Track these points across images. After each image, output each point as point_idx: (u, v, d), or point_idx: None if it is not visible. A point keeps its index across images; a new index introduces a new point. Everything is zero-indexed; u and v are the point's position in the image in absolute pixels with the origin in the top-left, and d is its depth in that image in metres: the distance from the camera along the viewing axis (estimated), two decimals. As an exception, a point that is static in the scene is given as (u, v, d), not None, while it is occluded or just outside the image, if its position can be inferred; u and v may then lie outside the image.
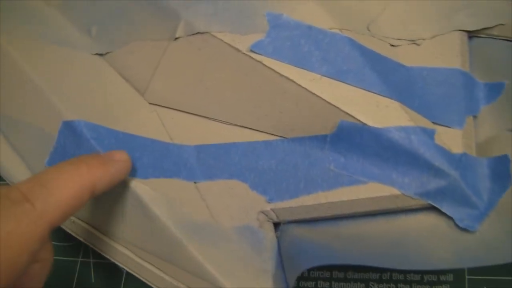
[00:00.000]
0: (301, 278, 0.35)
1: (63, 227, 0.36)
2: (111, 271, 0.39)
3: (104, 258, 0.36)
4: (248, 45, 0.33)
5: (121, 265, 0.34)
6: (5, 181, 0.39)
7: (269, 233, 0.33)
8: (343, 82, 0.32)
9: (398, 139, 0.30)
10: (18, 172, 0.37)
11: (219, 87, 0.34)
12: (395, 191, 0.30)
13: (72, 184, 0.27)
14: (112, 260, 0.34)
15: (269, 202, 0.33)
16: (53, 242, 0.39)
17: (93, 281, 0.40)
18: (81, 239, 0.35)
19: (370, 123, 0.30)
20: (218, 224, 0.32)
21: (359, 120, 0.30)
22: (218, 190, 0.33)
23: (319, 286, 0.36)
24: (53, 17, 0.41)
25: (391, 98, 0.31)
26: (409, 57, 0.34)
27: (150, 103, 0.37)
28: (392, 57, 0.33)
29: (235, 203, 0.33)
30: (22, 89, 0.37)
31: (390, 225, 0.31)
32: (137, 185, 0.32)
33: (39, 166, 0.36)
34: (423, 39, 0.35)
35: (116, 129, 0.34)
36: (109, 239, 0.34)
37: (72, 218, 0.35)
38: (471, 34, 0.36)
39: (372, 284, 0.36)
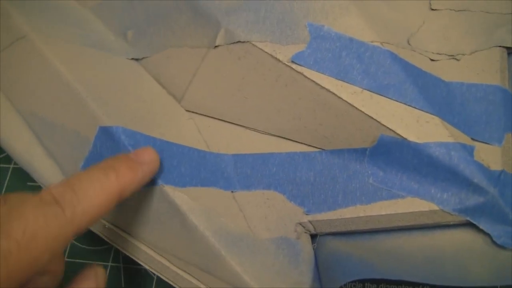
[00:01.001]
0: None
1: (96, 231, 0.36)
2: (141, 276, 0.39)
3: (134, 263, 0.36)
4: (289, 55, 0.33)
5: (156, 273, 0.34)
6: (36, 182, 0.39)
7: (307, 245, 0.33)
8: (384, 96, 0.32)
9: (438, 154, 0.30)
10: (52, 175, 0.38)
11: (258, 97, 0.34)
12: (433, 206, 0.30)
13: (101, 192, 0.27)
14: (148, 268, 0.34)
15: (306, 214, 0.33)
16: (83, 246, 0.40)
17: (123, 286, 0.39)
18: (115, 245, 0.35)
19: (410, 138, 0.30)
20: (255, 235, 0.32)
21: (399, 135, 0.30)
22: (256, 200, 0.33)
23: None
24: (88, 20, 0.42)
25: (431, 114, 0.31)
26: (448, 72, 0.34)
27: (187, 110, 0.37)
28: (432, 72, 0.33)
29: (272, 214, 0.33)
30: (57, 91, 0.37)
31: (427, 240, 0.31)
32: (175, 194, 0.32)
33: (73, 170, 0.36)
34: (463, 54, 0.35)
35: (152, 135, 0.34)
36: (145, 246, 0.34)
37: (106, 223, 0.35)
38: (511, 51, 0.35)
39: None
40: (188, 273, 0.33)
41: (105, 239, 0.35)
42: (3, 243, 0.22)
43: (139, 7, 0.40)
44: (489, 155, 0.31)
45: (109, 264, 0.41)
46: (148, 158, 0.31)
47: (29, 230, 0.23)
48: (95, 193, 0.27)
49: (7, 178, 0.45)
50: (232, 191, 0.34)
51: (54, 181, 0.35)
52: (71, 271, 0.29)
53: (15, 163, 0.44)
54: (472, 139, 0.31)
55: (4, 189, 0.45)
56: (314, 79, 0.32)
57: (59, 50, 0.38)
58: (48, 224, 0.24)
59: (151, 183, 0.32)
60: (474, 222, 0.30)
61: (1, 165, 0.46)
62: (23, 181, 0.44)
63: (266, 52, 0.33)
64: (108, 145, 0.34)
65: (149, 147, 0.32)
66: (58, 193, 0.26)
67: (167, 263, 0.34)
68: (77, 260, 0.41)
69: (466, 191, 0.30)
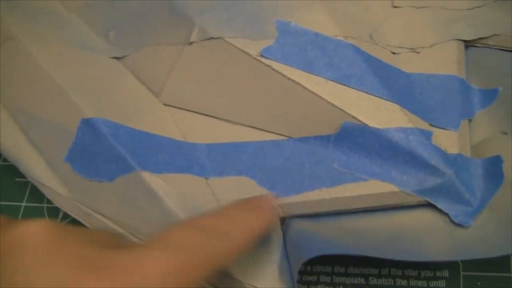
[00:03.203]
0: (303, 272, 0.37)
1: (80, 219, 0.37)
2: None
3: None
4: (259, 50, 0.34)
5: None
6: (24, 178, 0.41)
7: (276, 227, 0.34)
8: (347, 86, 0.33)
9: (397, 139, 0.32)
10: (37, 167, 0.39)
11: (230, 90, 0.36)
12: (394, 188, 0.32)
13: (244, 234, 0.28)
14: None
15: (275, 198, 0.34)
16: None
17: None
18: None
19: (371, 124, 0.32)
20: None
21: (361, 121, 0.32)
22: (228, 186, 0.35)
23: (321, 280, 0.38)
24: (72, 22, 0.43)
25: (392, 101, 0.33)
26: (409, 64, 0.36)
27: (165, 104, 0.38)
28: (393, 64, 0.35)
29: (244, 198, 0.34)
30: (43, 88, 0.39)
31: (389, 220, 0.33)
32: (152, 179, 0.34)
33: (57, 161, 0.38)
34: (423, 47, 0.36)
35: (132, 127, 0.36)
36: (124, 230, 0.36)
37: (88, 211, 0.37)
38: (468, 44, 0.37)
39: (371, 279, 0.37)
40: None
41: (88, 226, 0.37)
42: (163, 257, 0.22)
43: (120, 9, 0.41)
44: (446, 140, 0.33)
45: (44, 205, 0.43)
46: (268, 206, 0.32)
47: (186, 253, 0.23)
48: (238, 232, 0.28)
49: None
50: (206, 178, 0.35)
51: (40, 173, 0.38)
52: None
53: (3, 160, 0.45)
54: (430, 125, 0.33)
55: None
56: (281, 71, 0.34)
57: (45, 50, 0.40)
58: (202, 248, 0.24)
59: (130, 168, 0.34)
60: (433, 202, 0.31)
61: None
62: (11, 178, 0.45)
63: (237, 47, 0.35)
64: (90, 136, 0.36)
65: (266, 197, 0.33)
66: (211, 222, 0.27)
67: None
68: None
69: (425, 173, 0.31)
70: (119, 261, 0.21)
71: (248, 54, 0.35)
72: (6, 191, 0.46)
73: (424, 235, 0.31)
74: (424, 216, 0.32)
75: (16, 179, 0.45)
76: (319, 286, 0.38)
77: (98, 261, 0.21)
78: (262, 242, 0.33)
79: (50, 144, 0.38)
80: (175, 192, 0.34)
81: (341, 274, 0.38)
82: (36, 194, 0.42)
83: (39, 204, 0.44)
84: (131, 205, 0.34)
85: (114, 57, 0.41)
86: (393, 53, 0.36)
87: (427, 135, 0.32)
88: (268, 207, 0.32)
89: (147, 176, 0.34)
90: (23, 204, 0.45)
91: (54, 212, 0.41)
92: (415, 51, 0.36)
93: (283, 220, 0.35)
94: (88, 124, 0.35)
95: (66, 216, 0.40)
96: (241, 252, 0.27)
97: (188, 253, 0.23)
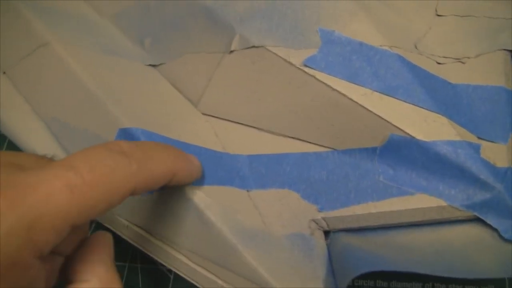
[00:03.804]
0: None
1: (117, 232, 0.37)
2: (158, 276, 0.40)
3: (151, 263, 0.37)
4: (301, 59, 0.34)
5: (174, 270, 0.35)
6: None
7: (320, 241, 0.33)
8: (392, 97, 0.33)
9: (445, 152, 0.31)
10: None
11: (271, 99, 0.35)
12: (442, 202, 0.31)
13: (165, 162, 0.28)
14: (166, 264, 0.35)
15: (320, 211, 0.34)
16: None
17: (140, 286, 0.40)
18: (135, 244, 0.36)
19: (419, 136, 0.31)
20: (271, 231, 0.33)
21: (408, 134, 0.31)
22: (270, 198, 0.34)
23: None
24: (107, 29, 0.43)
25: (439, 113, 0.32)
26: (455, 74, 0.35)
27: (203, 114, 0.38)
28: (439, 75, 0.34)
29: (286, 211, 0.34)
30: (78, 96, 0.38)
31: (436, 235, 0.32)
32: (193, 192, 0.33)
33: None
34: (468, 57, 0.36)
35: (170, 137, 0.35)
36: (163, 243, 0.35)
37: (126, 223, 0.36)
38: (515, 54, 0.36)
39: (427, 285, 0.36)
40: (205, 269, 0.34)
41: (125, 238, 0.36)
42: (70, 175, 0.22)
43: (156, 16, 0.41)
44: (495, 153, 0.32)
45: (127, 264, 0.42)
46: (197, 162, 0.32)
47: (95, 170, 0.23)
48: (160, 160, 0.27)
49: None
50: (247, 190, 0.34)
51: None
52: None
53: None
54: (479, 137, 0.32)
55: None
56: (325, 82, 0.33)
57: (80, 57, 0.39)
58: (114, 170, 0.24)
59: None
60: (482, 217, 0.31)
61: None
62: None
63: (279, 56, 0.34)
64: (128, 146, 0.35)
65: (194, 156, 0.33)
66: (126, 147, 0.26)
67: (185, 260, 0.34)
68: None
69: (473, 187, 0.31)
70: (24, 179, 0.21)
71: (290, 63, 0.34)
72: None
73: (473, 251, 0.31)
74: (472, 231, 0.31)
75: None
76: (361, 301, 0.37)
77: (4, 181, 0.21)
78: (305, 255, 0.32)
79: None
80: (216, 204, 0.33)
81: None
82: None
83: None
84: (171, 218, 0.34)
85: (150, 65, 0.41)
86: (438, 63, 0.36)
87: (476, 148, 0.31)
88: (194, 162, 0.32)
89: (187, 188, 0.33)
90: None
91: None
92: (461, 61, 0.36)
93: (328, 234, 0.34)
94: (126, 134, 0.35)
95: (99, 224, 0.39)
96: (155, 184, 0.27)
97: (95, 171, 0.23)
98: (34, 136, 0.40)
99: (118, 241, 0.36)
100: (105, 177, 0.23)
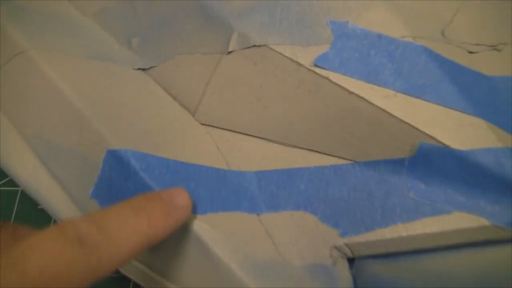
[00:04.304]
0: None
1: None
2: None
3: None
4: (311, 58, 0.30)
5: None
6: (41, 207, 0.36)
7: (344, 271, 0.30)
8: (420, 98, 0.29)
9: (486, 162, 0.27)
10: (61, 204, 0.35)
11: (279, 106, 0.32)
12: (484, 221, 0.27)
13: (133, 238, 0.24)
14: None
15: (342, 236, 0.30)
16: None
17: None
18: (133, 278, 0.33)
19: (454, 145, 0.27)
20: (287, 263, 0.29)
21: (440, 142, 0.28)
22: (284, 223, 0.30)
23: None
24: (90, 29, 0.39)
25: (475, 116, 0.28)
26: (489, 65, 0.31)
27: (202, 124, 0.34)
28: (471, 66, 0.30)
29: (304, 238, 0.30)
30: (59, 111, 0.34)
31: (480, 259, 0.28)
32: (195, 223, 0.29)
33: (82, 197, 0.33)
34: (505, 43, 0.31)
35: (166, 156, 0.31)
36: (166, 281, 0.31)
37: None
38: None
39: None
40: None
41: (125, 274, 0.33)
42: (17, 281, 0.20)
43: (144, 12, 0.37)
44: (546, 160, 0.28)
45: None
46: (182, 202, 0.28)
47: (48, 272, 0.21)
48: (125, 237, 0.24)
49: (17, 201, 0.43)
50: (257, 214, 0.31)
51: (64, 211, 0.34)
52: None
53: (23, 186, 0.41)
54: (524, 141, 0.28)
55: (14, 214, 0.42)
56: (340, 84, 0.30)
57: (60, 65, 0.35)
58: (70, 268, 0.22)
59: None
60: (532, 236, 0.27)
61: (9, 188, 0.43)
62: (33, 204, 0.41)
63: (285, 56, 0.31)
64: (118, 170, 0.31)
65: (182, 189, 0.29)
66: (83, 231, 0.23)
67: None
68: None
69: (521, 203, 0.27)
70: None
71: (299, 64, 0.31)
72: (28, 220, 0.42)
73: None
74: (522, 254, 0.27)
75: (39, 207, 0.42)
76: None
77: None
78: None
79: (73, 177, 0.34)
80: (223, 237, 0.29)
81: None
82: (61, 222, 0.37)
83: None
84: (171, 252, 0.30)
85: (139, 69, 0.37)
86: (470, 52, 0.31)
87: (522, 156, 0.27)
88: (181, 203, 0.28)
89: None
90: None
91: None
92: (496, 49, 0.31)
93: (352, 263, 0.30)
94: (114, 157, 0.31)
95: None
96: (122, 265, 0.25)
97: (47, 273, 0.21)
98: (15, 155, 0.36)
99: (117, 271, 0.32)
100: (58, 278, 0.21)
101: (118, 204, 0.26)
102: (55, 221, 0.41)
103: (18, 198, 0.43)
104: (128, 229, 0.24)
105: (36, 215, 0.42)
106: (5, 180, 0.44)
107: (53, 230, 0.22)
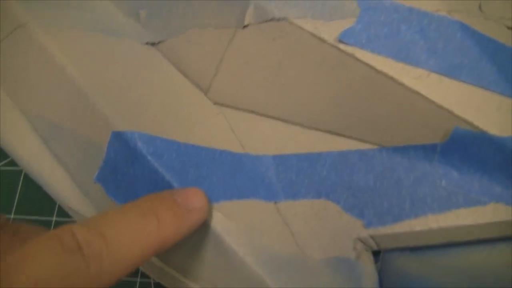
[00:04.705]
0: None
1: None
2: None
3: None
4: (335, 34, 0.28)
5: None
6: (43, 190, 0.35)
7: (369, 266, 0.28)
8: (455, 79, 0.27)
9: (526, 150, 0.25)
10: (64, 188, 0.33)
11: (300, 85, 0.30)
12: (522, 214, 0.25)
13: (138, 243, 0.23)
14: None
15: (367, 227, 0.28)
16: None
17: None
18: (144, 271, 0.31)
19: (491, 130, 0.26)
20: (306, 256, 0.28)
21: (477, 127, 0.26)
22: (304, 212, 0.29)
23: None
24: (94, 0, 0.37)
25: None
26: (531, 42, 0.29)
27: (215, 103, 0.32)
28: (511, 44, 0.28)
29: (325, 229, 0.28)
30: (61, 89, 0.32)
31: (515, 255, 0.26)
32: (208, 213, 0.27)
33: (86, 181, 0.31)
34: None
35: (175, 139, 0.29)
36: (176, 272, 0.30)
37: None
38: None
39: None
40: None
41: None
42: None
43: (153, -19, 0.35)
44: None
45: (138, 280, 0.37)
46: (198, 204, 0.26)
47: (42, 284, 0.19)
48: (130, 244, 0.22)
49: (20, 182, 0.41)
50: (275, 202, 0.29)
51: (68, 195, 0.32)
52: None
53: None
54: None
55: (17, 195, 0.41)
56: (367, 61, 0.27)
57: (62, 39, 0.33)
58: (66, 281, 0.20)
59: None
60: None
61: (13, 168, 0.41)
62: (39, 189, 0.39)
63: (306, 30, 0.29)
64: (124, 154, 0.29)
65: (198, 189, 0.26)
66: (83, 238, 0.21)
67: None
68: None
69: None
70: None
71: (321, 39, 0.28)
72: (34, 205, 0.41)
73: None
74: None
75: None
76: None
77: None
78: (351, 285, 0.26)
79: (77, 159, 0.32)
80: (237, 227, 0.27)
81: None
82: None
83: (70, 219, 0.39)
84: (183, 245, 0.28)
85: (148, 43, 0.35)
86: (510, 28, 0.29)
87: None
88: (197, 205, 0.26)
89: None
90: (54, 218, 0.41)
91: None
92: None
93: (378, 256, 0.29)
94: (120, 139, 0.29)
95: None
96: (126, 273, 0.22)
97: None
98: (17, 135, 0.35)
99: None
100: None
101: (125, 205, 0.24)
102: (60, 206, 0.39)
103: (21, 179, 0.42)
104: (133, 235, 0.23)
105: (41, 194, 0.40)
106: (6, 160, 0.42)
107: (50, 237, 0.21)
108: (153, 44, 0.35)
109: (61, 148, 0.33)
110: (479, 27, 0.28)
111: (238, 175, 0.29)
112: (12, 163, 0.41)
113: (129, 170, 0.29)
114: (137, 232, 0.23)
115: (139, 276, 0.38)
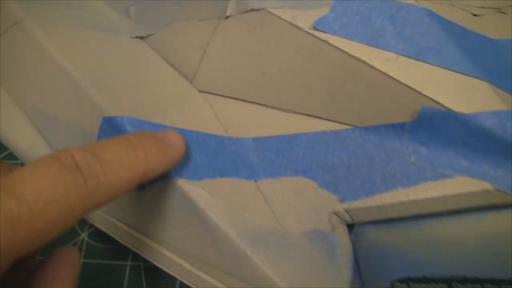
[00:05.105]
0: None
1: (107, 232, 0.33)
2: (164, 275, 0.36)
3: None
4: (311, 22, 0.29)
5: (177, 277, 0.30)
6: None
7: (343, 238, 0.29)
8: (422, 61, 0.28)
9: (489, 126, 0.26)
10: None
11: (278, 71, 0.31)
12: (487, 185, 0.26)
13: (130, 168, 0.24)
14: (167, 271, 0.31)
15: (341, 202, 0.29)
16: (99, 244, 0.37)
17: (144, 285, 0.36)
18: (129, 246, 0.32)
19: (456, 108, 0.26)
20: (285, 230, 0.29)
21: (443, 105, 0.27)
22: (283, 189, 0.30)
23: (394, 286, 0.33)
24: (87, -1, 0.38)
25: (480, 79, 0.27)
26: (495, 28, 0.30)
27: (200, 91, 0.34)
28: (476, 29, 0.29)
29: (302, 204, 0.30)
30: (56, 81, 0.34)
31: (481, 226, 0.27)
32: (191, 189, 0.29)
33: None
34: (510, 6, 0.31)
35: (163, 123, 0.31)
36: (162, 247, 0.31)
37: (116, 222, 0.32)
38: None
39: (455, 285, 0.32)
40: (212, 277, 0.30)
41: (118, 240, 0.32)
42: (13, 206, 0.20)
43: (142, -20, 0.36)
44: (551, 123, 0.27)
45: (128, 263, 0.38)
46: (176, 142, 0.28)
47: (44, 196, 0.20)
48: (122, 166, 0.24)
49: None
50: (255, 180, 0.30)
51: None
52: (88, 273, 0.26)
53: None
54: (529, 105, 0.27)
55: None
56: (341, 47, 0.29)
57: (57, 35, 0.35)
58: (66, 193, 0.21)
59: (164, 176, 0.29)
60: (536, 201, 0.26)
61: (9, 161, 0.43)
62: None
63: (284, 19, 0.30)
64: (114, 137, 0.30)
65: (176, 131, 0.28)
66: (80, 158, 0.22)
67: (188, 266, 0.30)
68: (93, 261, 0.38)
69: (525, 166, 0.26)
70: None
71: (298, 27, 0.29)
72: None
73: (528, 243, 0.26)
74: (525, 219, 0.27)
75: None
76: (393, 296, 0.33)
77: None
78: (327, 256, 0.28)
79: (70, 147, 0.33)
80: (220, 203, 0.29)
81: (419, 281, 0.32)
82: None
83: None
84: (166, 218, 0.29)
85: (137, 37, 0.36)
86: (475, 15, 0.31)
87: (527, 119, 0.26)
88: (172, 142, 0.28)
89: (184, 184, 0.29)
90: None
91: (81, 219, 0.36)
92: (502, 11, 0.31)
93: (352, 229, 0.30)
94: (110, 123, 0.30)
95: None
96: (118, 196, 0.24)
97: (43, 198, 0.20)
98: (14, 128, 0.36)
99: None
100: (55, 203, 0.21)
101: (114, 136, 0.25)
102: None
103: None
104: (125, 159, 0.24)
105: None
106: (5, 153, 0.43)
107: (48, 158, 0.22)
108: (142, 37, 0.36)
109: (56, 137, 0.34)
110: (445, 13, 0.29)
111: (220, 156, 0.30)
112: (10, 156, 0.43)
113: None
114: (128, 157, 0.24)
115: (129, 259, 0.39)
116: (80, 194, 0.21)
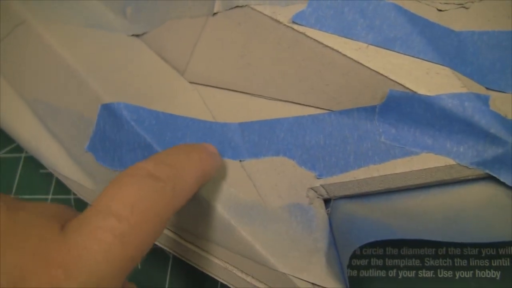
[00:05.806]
0: (353, 256, 0.34)
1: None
2: (157, 256, 0.39)
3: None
4: (290, 16, 0.31)
5: (167, 249, 0.33)
6: (46, 169, 0.39)
7: (320, 210, 0.31)
8: (390, 50, 0.30)
9: (451, 106, 0.28)
10: (58, 159, 0.37)
11: (261, 62, 0.33)
12: (450, 161, 0.29)
13: (194, 174, 0.26)
14: (158, 244, 0.33)
15: (318, 178, 0.31)
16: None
17: (139, 266, 0.39)
18: None
19: (421, 91, 0.29)
20: (267, 203, 0.31)
21: (409, 89, 0.29)
22: (265, 168, 0.32)
23: (372, 263, 0.35)
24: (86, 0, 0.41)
25: (442, 65, 0.30)
26: (458, 21, 0.32)
27: (191, 82, 0.36)
28: (440, 22, 0.32)
29: (282, 180, 0.32)
30: (58, 74, 0.36)
31: (445, 197, 0.30)
32: None
33: (79, 152, 0.35)
34: (472, 2, 0.33)
35: (156, 109, 0.33)
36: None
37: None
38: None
39: (427, 260, 0.34)
40: (199, 247, 0.32)
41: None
42: (115, 224, 0.20)
43: (137, -18, 0.39)
44: (506, 104, 0.29)
45: None
46: (215, 150, 0.30)
47: (137, 209, 0.21)
48: (188, 172, 0.26)
49: (20, 167, 0.45)
50: (240, 160, 0.33)
51: (62, 165, 0.36)
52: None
53: (26, 152, 0.43)
54: (487, 88, 0.30)
55: (17, 179, 0.44)
56: (317, 38, 0.31)
57: (58, 33, 0.38)
58: (154, 201, 0.22)
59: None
60: (494, 175, 0.28)
61: (13, 155, 0.45)
62: (36, 169, 0.43)
63: (265, 14, 0.32)
64: (112, 122, 0.33)
65: (209, 143, 0.31)
66: (152, 168, 0.24)
67: (177, 238, 0.33)
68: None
69: (483, 143, 0.28)
70: (72, 241, 0.20)
71: (278, 21, 0.32)
72: (31, 184, 0.44)
73: (486, 212, 0.28)
74: (485, 191, 0.29)
75: (41, 171, 0.44)
76: (370, 270, 0.35)
77: (51, 244, 0.20)
78: (305, 227, 0.30)
79: (70, 134, 0.36)
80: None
81: (394, 256, 0.35)
82: (62, 185, 0.39)
83: (66, 196, 0.43)
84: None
85: (133, 35, 0.39)
86: (439, 10, 0.32)
87: (484, 100, 0.28)
88: (213, 151, 0.30)
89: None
90: (50, 196, 0.43)
91: (82, 204, 0.38)
92: (464, 7, 0.33)
93: (328, 203, 0.32)
94: (108, 110, 0.33)
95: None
96: (191, 195, 0.26)
97: (137, 210, 0.21)
98: (18, 120, 0.39)
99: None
100: (148, 213, 0.22)
101: (170, 148, 0.28)
102: (55, 186, 0.43)
103: (21, 164, 0.45)
104: (187, 165, 0.26)
105: (38, 181, 0.44)
106: (8, 148, 0.45)
107: (124, 176, 0.23)
108: (137, 35, 0.39)
109: (57, 126, 0.37)
110: (411, 8, 0.31)
111: (208, 140, 0.33)
112: (12, 150, 0.45)
113: (116, 137, 0.33)
114: (189, 164, 0.26)
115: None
116: (164, 200, 0.23)
